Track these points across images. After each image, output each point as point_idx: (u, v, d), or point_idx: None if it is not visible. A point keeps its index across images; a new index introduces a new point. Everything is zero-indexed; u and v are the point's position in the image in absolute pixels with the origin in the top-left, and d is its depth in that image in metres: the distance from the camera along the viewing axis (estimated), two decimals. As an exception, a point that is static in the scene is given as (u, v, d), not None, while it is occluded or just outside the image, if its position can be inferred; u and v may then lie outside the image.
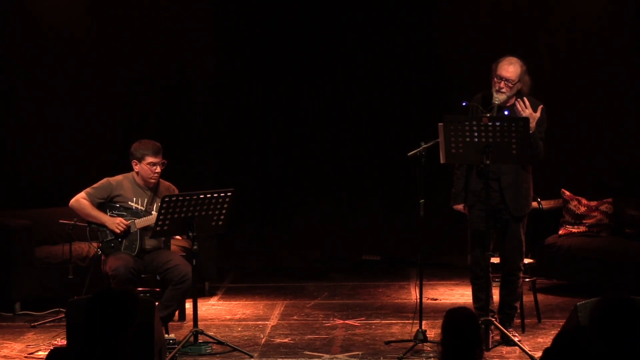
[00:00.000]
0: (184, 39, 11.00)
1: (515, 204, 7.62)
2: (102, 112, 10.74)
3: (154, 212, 7.93)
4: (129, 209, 7.99)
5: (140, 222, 7.96)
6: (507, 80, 7.52)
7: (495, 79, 7.55)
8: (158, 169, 7.98)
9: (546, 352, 4.24)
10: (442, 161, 7.41)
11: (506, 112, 7.48)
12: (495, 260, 7.81)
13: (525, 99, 7.52)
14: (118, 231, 7.91)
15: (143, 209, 7.99)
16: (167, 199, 7.42)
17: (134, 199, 8.01)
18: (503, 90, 7.53)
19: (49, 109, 10.52)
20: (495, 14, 10.82)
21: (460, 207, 7.81)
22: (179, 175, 9.63)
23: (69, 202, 8.03)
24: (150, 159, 7.93)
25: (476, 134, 7.24)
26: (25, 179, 10.42)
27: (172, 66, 11.07)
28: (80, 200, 7.99)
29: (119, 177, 8.07)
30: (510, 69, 7.54)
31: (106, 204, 8.01)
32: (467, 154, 7.33)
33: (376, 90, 11.24)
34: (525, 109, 7.45)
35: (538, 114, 7.49)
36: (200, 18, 11.06)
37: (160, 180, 8.08)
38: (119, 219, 7.93)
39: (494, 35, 10.59)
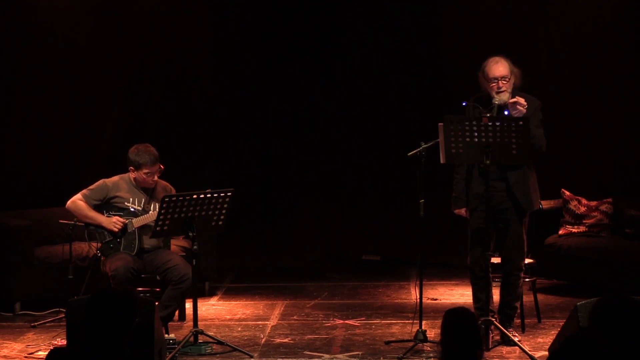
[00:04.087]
0: (183, 39, 11.00)
1: (526, 199, 7.63)
2: (102, 113, 10.74)
3: (151, 211, 7.94)
4: (125, 210, 7.99)
5: (138, 221, 7.96)
6: (502, 78, 7.53)
7: (491, 83, 7.54)
8: (155, 177, 8.00)
9: (552, 354, 4.22)
10: (442, 161, 7.41)
11: (506, 112, 7.48)
12: (495, 260, 7.81)
13: (517, 97, 7.52)
14: (115, 230, 7.91)
15: (140, 208, 8.00)
16: (167, 199, 7.42)
17: (131, 199, 8.02)
18: (503, 89, 7.54)
19: (49, 110, 10.52)
20: (496, 13, 10.82)
21: (461, 211, 7.79)
22: (179, 176, 9.65)
23: (71, 199, 8.04)
24: (147, 170, 7.93)
25: (476, 134, 7.24)
26: (25, 179, 10.41)
27: (172, 66, 11.07)
28: (77, 201, 7.99)
29: (115, 178, 8.07)
30: (500, 67, 7.56)
31: (103, 205, 8.01)
32: (467, 154, 7.33)
33: (376, 90, 11.24)
34: (523, 105, 7.48)
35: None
36: (200, 18, 11.06)
37: (157, 179, 8.08)
38: (115, 218, 7.94)
39: (494, 35, 10.59)
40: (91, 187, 8.06)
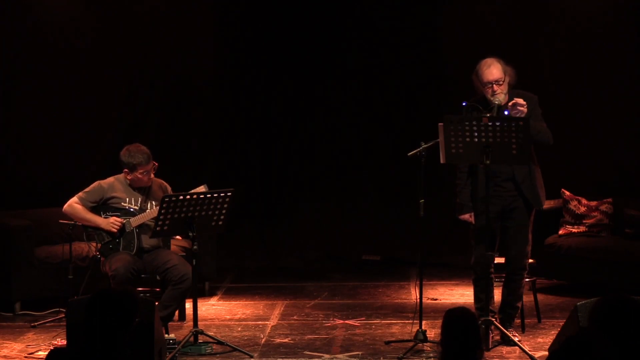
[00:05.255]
0: (184, 39, 11.00)
1: (534, 196, 7.63)
2: (102, 113, 10.74)
3: (148, 210, 7.94)
4: (122, 209, 7.99)
5: (135, 220, 7.96)
6: (496, 82, 7.52)
7: (486, 88, 7.54)
8: (151, 175, 7.99)
9: (552, 354, 4.22)
10: (442, 161, 7.41)
11: (506, 112, 7.48)
12: (499, 260, 7.81)
13: (516, 99, 7.50)
14: (114, 230, 7.91)
15: (137, 208, 8.00)
16: (167, 199, 7.42)
17: (127, 199, 8.02)
18: (498, 91, 7.53)
19: (49, 110, 10.52)
20: (496, 13, 10.82)
21: (466, 216, 7.76)
22: (179, 175, 9.65)
23: (68, 202, 8.04)
24: (142, 169, 7.93)
25: (476, 134, 7.23)
26: (25, 179, 10.42)
27: (172, 66, 11.06)
28: (73, 205, 7.99)
29: (110, 180, 8.07)
30: (493, 71, 7.54)
31: (100, 206, 8.01)
32: (467, 154, 7.32)
33: (376, 90, 11.24)
34: (523, 105, 7.46)
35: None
36: (200, 18, 11.05)
37: (153, 178, 8.07)
38: (113, 218, 7.94)
39: (494, 35, 10.59)
40: (87, 189, 8.05)
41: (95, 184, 8.08)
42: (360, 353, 7.53)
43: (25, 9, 10.44)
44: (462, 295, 9.42)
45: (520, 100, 7.48)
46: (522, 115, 7.45)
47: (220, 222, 7.62)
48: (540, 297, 8.65)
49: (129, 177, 7.99)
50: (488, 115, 7.36)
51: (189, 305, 8.09)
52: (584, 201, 9.65)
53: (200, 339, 7.61)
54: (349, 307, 9.07)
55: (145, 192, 8.06)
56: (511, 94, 7.58)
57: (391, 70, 11.18)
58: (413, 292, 8.68)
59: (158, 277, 7.99)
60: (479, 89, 7.62)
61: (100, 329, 4.53)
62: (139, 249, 7.98)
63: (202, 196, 7.47)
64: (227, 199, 7.53)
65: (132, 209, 7.99)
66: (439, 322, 4.66)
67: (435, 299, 9.35)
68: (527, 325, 8.13)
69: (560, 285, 9.68)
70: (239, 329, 8.34)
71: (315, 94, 11.30)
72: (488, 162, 7.27)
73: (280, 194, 11.47)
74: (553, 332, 7.86)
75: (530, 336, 7.91)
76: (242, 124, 11.31)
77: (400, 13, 11.11)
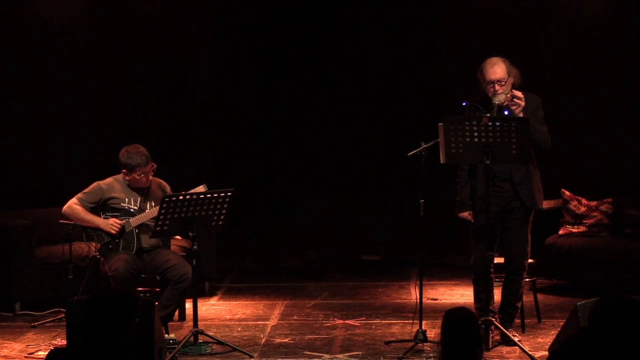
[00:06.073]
0: (183, 38, 11.01)
1: (530, 198, 7.63)
2: (102, 113, 10.74)
3: (147, 210, 7.94)
4: (122, 210, 7.99)
5: (135, 221, 7.96)
6: (498, 81, 7.52)
7: (488, 86, 7.55)
8: (150, 176, 7.99)
9: (552, 354, 4.22)
10: (442, 161, 7.41)
11: (506, 112, 7.48)
12: (499, 260, 7.81)
13: (514, 91, 7.51)
14: (113, 232, 7.91)
15: (137, 208, 8.00)
16: (167, 199, 7.42)
17: (127, 199, 8.02)
18: (499, 91, 7.53)
19: (49, 109, 10.53)
20: (496, 14, 10.82)
21: (465, 214, 7.76)
22: (179, 175, 9.66)
23: (67, 203, 8.03)
24: (140, 171, 7.92)
25: (476, 134, 7.23)
26: (26, 179, 10.42)
27: (172, 66, 11.08)
28: (73, 206, 7.99)
29: (109, 180, 8.07)
30: (497, 70, 7.54)
31: (99, 207, 8.01)
32: (467, 154, 7.32)
33: (376, 90, 11.25)
34: (520, 98, 7.46)
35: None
36: (200, 17, 11.06)
37: (151, 177, 8.07)
38: (112, 220, 7.94)
39: (494, 35, 10.59)
40: (86, 190, 8.05)
41: (94, 184, 8.08)
42: (360, 353, 7.53)
43: (24, 11, 10.43)
44: (462, 295, 9.42)
45: (519, 93, 7.49)
46: (520, 109, 7.46)
47: (220, 222, 7.61)
48: (540, 297, 8.65)
49: (127, 178, 7.99)
50: (488, 115, 7.36)
51: (189, 305, 8.09)
52: (584, 201, 9.65)
53: (200, 339, 7.61)
54: (349, 307, 9.07)
55: (144, 192, 8.07)
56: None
57: (391, 70, 11.19)
58: (413, 292, 8.68)
59: (158, 277, 7.99)
60: (482, 86, 7.62)
61: (100, 329, 4.53)
62: (138, 249, 7.98)
63: (202, 196, 7.47)
64: (227, 199, 7.53)
65: (131, 209, 8.00)
66: (439, 322, 4.66)
67: (435, 299, 9.35)
68: (527, 325, 8.13)
69: (560, 285, 9.68)
70: (239, 329, 8.34)
71: (315, 94, 11.31)
72: (488, 162, 7.27)
73: (280, 194, 11.47)
74: (553, 332, 7.86)
75: (530, 336, 7.91)
76: (242, 123, 11.31)
77: (400, 13, 11.12)
